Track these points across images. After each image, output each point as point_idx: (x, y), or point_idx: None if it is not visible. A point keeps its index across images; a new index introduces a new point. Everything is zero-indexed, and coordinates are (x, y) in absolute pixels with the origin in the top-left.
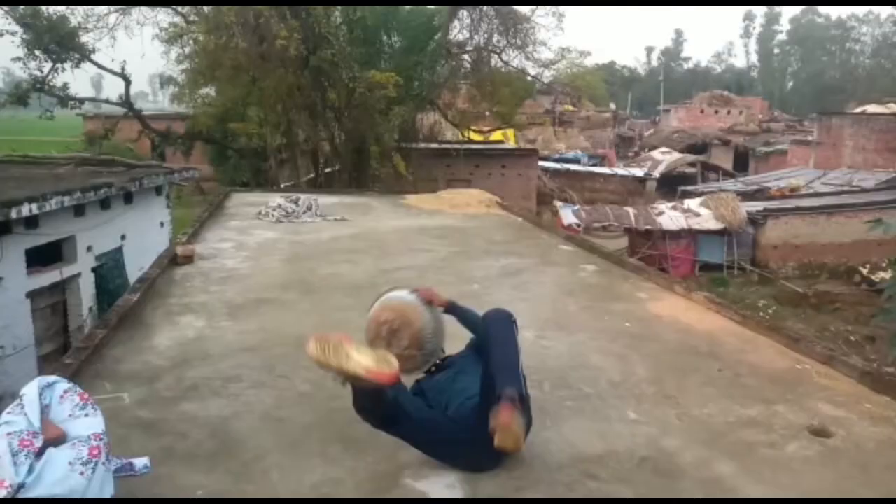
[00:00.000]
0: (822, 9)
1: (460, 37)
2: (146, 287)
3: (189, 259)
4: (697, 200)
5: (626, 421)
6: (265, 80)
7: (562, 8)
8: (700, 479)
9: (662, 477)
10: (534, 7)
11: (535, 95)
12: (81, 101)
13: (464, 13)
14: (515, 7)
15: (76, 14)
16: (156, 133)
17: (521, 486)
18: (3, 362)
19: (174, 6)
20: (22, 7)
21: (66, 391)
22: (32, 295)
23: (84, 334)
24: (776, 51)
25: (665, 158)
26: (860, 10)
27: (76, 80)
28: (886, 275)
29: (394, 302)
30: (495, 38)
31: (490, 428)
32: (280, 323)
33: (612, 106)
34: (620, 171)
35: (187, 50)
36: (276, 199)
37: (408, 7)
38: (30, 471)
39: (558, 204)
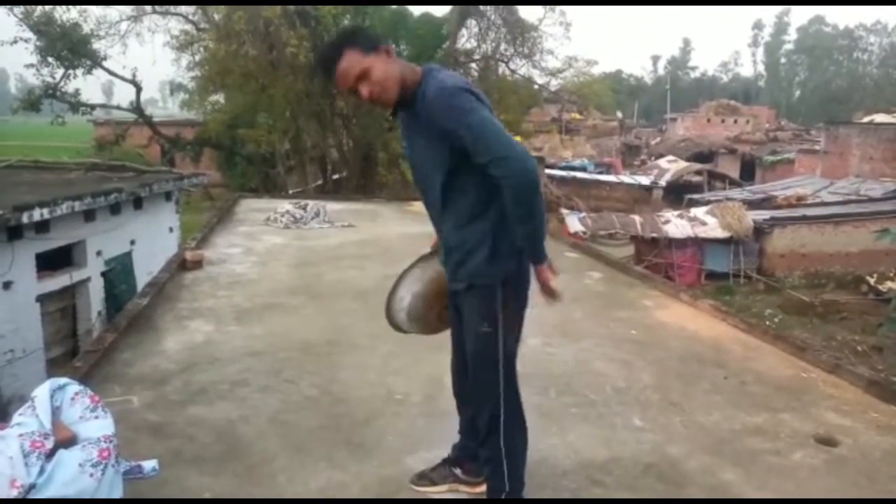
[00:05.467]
0: (830, 18)
1: (468, 45)
2: (156, 291)
3: (198, 264)
4: (704, 209)
5: (631, 428)
6: (274, 87)
7: (569, 17)
8: (705, 487)
9: (667, 484)
10: (541, 16)
11: (541, 104)
12: (92, 107)
13: (472, 22)
14: (523, 16)
15: (88, 21)
16: (165, 139)
17: (526, 491)
18: (13, 365)
19: (186, 9)
20: (36, 14)
21: (77, 393)
22: (42, 299)
23: (93, 338)
24: (783, 60)
25: (671, 167)
26: (868, 19)
27: (87, 86)
28: (894, 284)
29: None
30: (503, 46)
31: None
32: (287, 328)
33: (619, 114)
34: (626, 179)
35: (198, 57)
36: (284, 205)
37: (416, 15)
38: (41, 472)
39: (564, 211)
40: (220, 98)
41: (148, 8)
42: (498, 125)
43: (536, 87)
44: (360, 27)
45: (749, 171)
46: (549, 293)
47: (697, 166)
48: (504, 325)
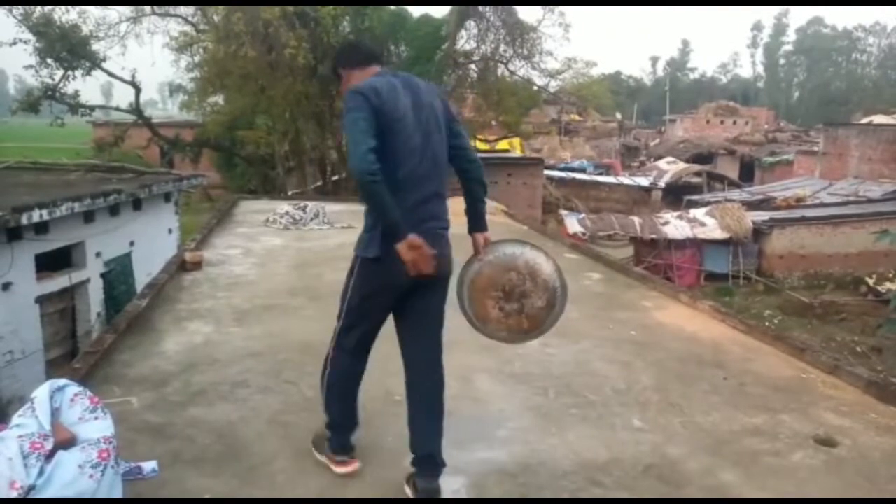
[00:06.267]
0: (829, 19)
1: (467, 46)
2: (155, 292)
3: (197, 265)
4: (703, 210)
5: (630, 428)
6: (273, 88)
7: (568, 17)
8: (704, 487)
9: (667, 484)
10: (540, 17)
11: (541, 105)
12: (92, 108)
13: (471, 23)
14: (522, 17)
15: (88, 23)
16: (165, 140)
17: (526, 492)
18: (12, 367)
19: (185, 11)
20: (35, 15)
21: (76, 395)
22: (41, 300)
23: (92, 339)
24: (782, 61)
25: (670, 168)
26: (867, 20)
27: (86, 87)
28: (893, 285)
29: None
30: (502, 47)
31: None
32: (287, 329)
33: (618, 115)
34: (626, 180)
35: (197, 58)
36: (283, 206)
37: (416, 16)
38: (40, 473)
39: (563, 212)
40: (219, 99)
41: (147, 9)
42: (360, 126)
43: (536, 88)
44: (351, 44)
45: (748, 172)
46: (412, 268)
47: (696, 167)
48: (351, 291)
